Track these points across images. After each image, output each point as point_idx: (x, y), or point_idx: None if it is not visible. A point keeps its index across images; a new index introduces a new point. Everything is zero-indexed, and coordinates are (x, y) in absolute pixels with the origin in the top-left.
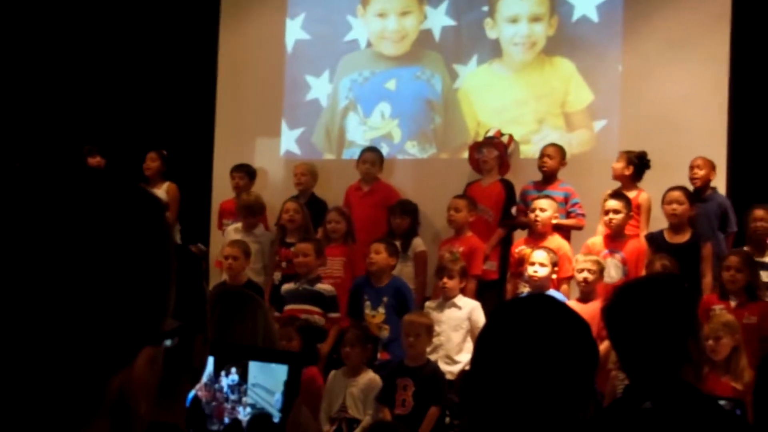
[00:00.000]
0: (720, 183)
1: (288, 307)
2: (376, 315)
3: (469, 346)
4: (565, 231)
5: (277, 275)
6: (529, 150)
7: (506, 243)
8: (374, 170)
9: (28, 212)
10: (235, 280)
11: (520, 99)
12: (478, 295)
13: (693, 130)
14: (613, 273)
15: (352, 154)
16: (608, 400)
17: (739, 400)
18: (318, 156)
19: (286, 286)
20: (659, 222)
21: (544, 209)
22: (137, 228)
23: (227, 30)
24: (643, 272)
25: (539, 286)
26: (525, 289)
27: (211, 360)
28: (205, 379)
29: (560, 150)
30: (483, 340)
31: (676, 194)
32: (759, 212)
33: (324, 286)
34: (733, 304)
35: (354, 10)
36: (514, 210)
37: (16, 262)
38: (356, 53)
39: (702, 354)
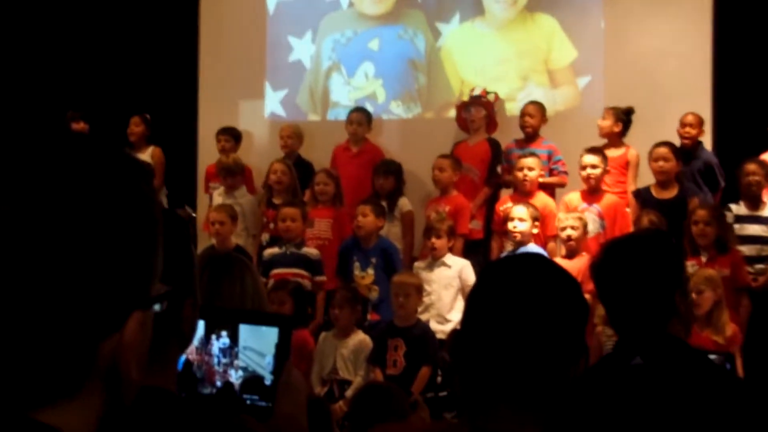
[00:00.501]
0: (706, 138)
1: (275, 270)
2: (365, 276)
3: (460, 305)
4: (549, 188)
5: (265, 236)
6: (514, 107)
7: (492, 202)
8: (362, 130)
9: (13, 179)
10: (223, 245)
11: (503, 56)
12: (464, 255)
13: (677, 85)
14: (591, 227)
15: (337, 114)
16: (593, 356)
17: (730, 354)
18: (302, 117)
19: (271, 250)
20: (646, 178)
21: (532, 168)
22: (123, 192)
23: None
24: (620, 226)
25: (521, 242)
26: (510, 247)
27: (201, 324)
28: (196, 343)
29: (541, 108)
30: (473, 299)
31: (663, 151)
32: (751, 166)
33: (310, 250)
34: (704, 259)
35: None
36: (499, 169)
37: (2, 229)
38: (338, 13)
39: (689, 307)
